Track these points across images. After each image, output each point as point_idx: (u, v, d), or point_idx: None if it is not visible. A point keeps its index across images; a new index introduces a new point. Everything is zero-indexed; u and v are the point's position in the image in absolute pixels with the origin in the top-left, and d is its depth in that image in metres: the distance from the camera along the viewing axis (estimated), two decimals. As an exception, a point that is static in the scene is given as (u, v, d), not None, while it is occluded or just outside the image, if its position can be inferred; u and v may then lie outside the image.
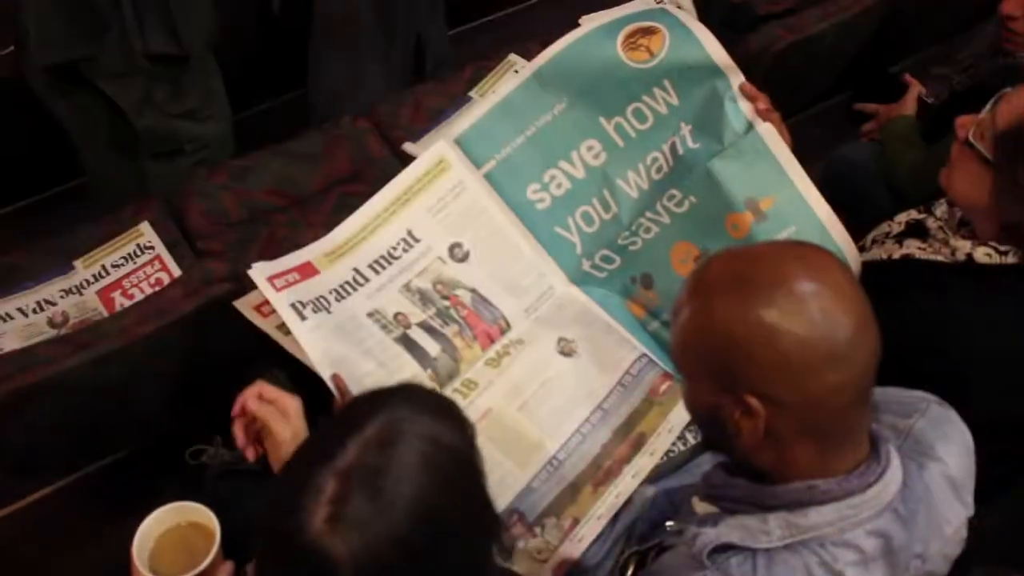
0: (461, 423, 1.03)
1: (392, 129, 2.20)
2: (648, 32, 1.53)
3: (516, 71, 2.37)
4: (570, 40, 1.54)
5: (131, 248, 2.06)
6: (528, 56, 2.41)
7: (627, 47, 1.53)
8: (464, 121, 1.56)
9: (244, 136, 2.51)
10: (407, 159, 2.15)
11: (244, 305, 1.44)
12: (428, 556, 0.93)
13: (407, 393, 1.06)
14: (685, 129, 1.52)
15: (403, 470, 0.93)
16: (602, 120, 1.56)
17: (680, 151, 1.52)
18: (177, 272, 1.99)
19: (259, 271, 1.37)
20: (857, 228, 1.54)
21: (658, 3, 2.42)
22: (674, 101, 1.53)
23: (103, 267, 2.04)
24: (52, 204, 2.86)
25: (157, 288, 1.98)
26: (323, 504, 0.91)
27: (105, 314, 1.95)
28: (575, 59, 1.54)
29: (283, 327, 1.39)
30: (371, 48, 2.60)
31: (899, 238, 1.51)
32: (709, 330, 1.01)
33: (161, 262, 2.03)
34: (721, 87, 1.50)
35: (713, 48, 1.52)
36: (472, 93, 2.32)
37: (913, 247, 1.46)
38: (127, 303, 1.97)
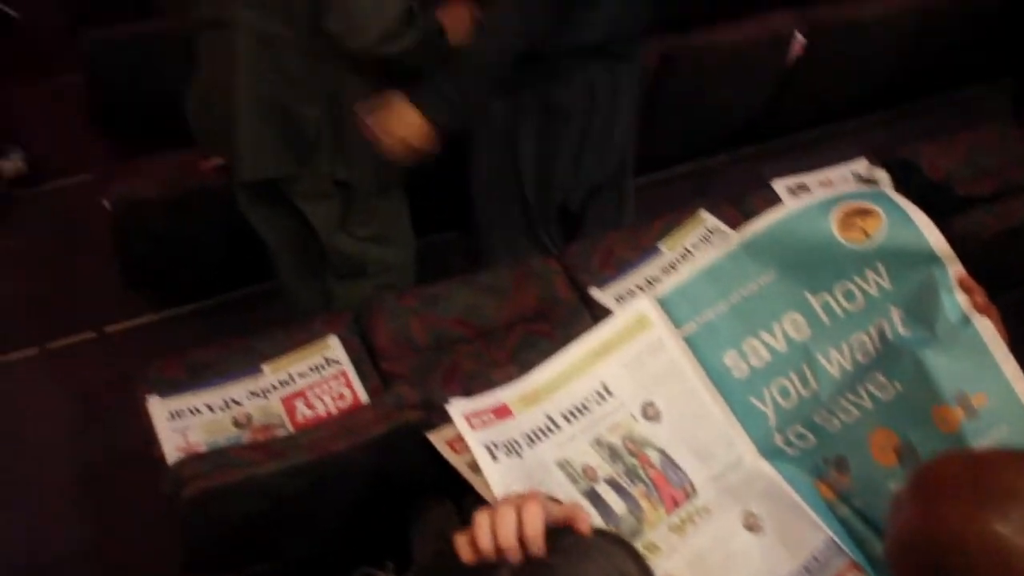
0: (646, 568, 1.04)
1: (580, 273, 2.25)
2: (865, 213, 1.52)
3: (707, 228, 2.39)
4: (784, 214, 1.54)
5: (318, 359, 2.13)
6: (718, 213, 2.43)
7: (842, 226, 1.52)
8: (669, 282, 1.57)
9: (424, 262, 2.60)
10: (593, 304, 2.19)
11: (438, 439, 1.47)
12: None
13: (597, 528, 1.07)
14: (895, 314, 1.49)
15: None
16: (808, 295, 1.54)
17: (888, 336, 1.49)
18: (360, 389, 2.04)
19: (457, 408, 1.39)
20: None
21: (864, 179, 2.44)
22: (886, 284, 1.51)
23: (290, 374, 2.11)
24: (247, 303, 3.00)
25: (339, 402, 2.04)
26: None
27: (287, 421, 2.02)
28: (787, 232, 1.54)
29: (473, 465, 1.40)
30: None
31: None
32: (933, 534, 0.97)
33: (345, 377, 2.09)
34: (937, 275, 1.47)
35: (932, 235, 1.49)
36: (661, 246, 2.35)
37: None
38: (308, 413, 2.03)
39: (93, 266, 3.26)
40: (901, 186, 2.49)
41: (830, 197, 1.55)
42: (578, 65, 2.35)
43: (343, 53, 2.06)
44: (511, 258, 2.47)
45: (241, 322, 2.94)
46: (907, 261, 1.49)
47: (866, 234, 1.50)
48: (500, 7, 2.20)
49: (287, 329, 2.20)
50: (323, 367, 2.12)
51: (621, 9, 2.34)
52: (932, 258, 1.48)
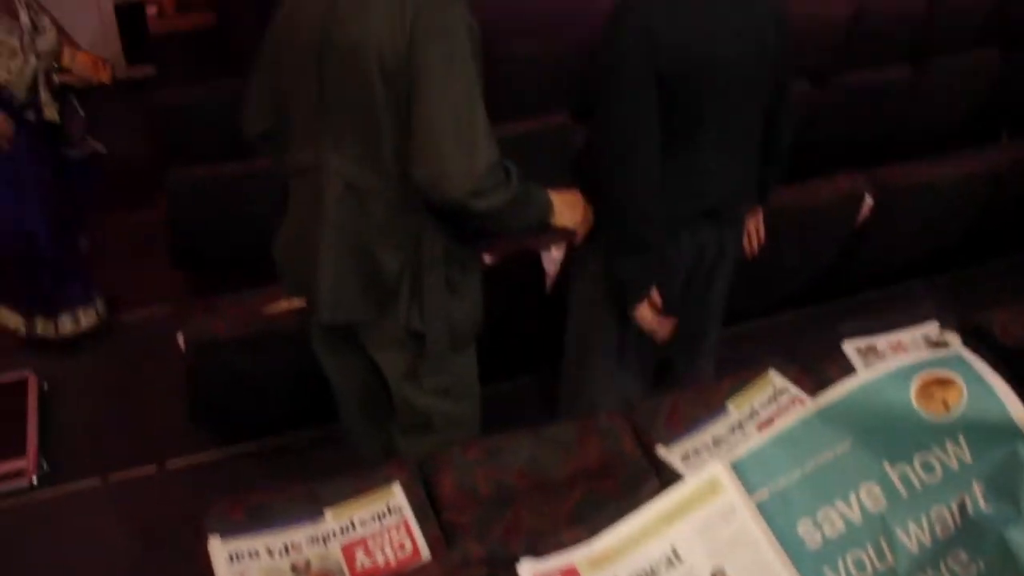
0: None
1: (647, 430, 2.22)
2: (945, 383, 1.50)
3: (775, 388, 2.36)
4: (861, 382, 1.53)
5: (381, 507, 2.11)
6: (787, 374, 2.40)
7: (921, 396, 1.50)
8: (742, 447, 1.55)
9: (493, 411, 2.58)
10: (658, 463, 2.15)
11: (504, 600, 1.44)
12: None
13: None
14: (977, 489, 1.45)
15: None
16: (886, 465, 1.51)
17: (970, 512, 1.45)
18: (421, 540, 2.01)
19: (527, 569, 1.38)
20: None
21: (935, 343, 2.40)
22: (967, 458, 1.47)
23: (351, 521, 2.09)
24: (311, 444, 3.01)
25: (400, 552, 2.01)
26: None
27: (346, 570, 1.99)
28: (864, 401, 1.52)
29: (539, 628, 1.37)
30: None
31: None
32: None
33: (407, 527, 2.06)
34: (1021, 450, 1.43)
35: (1014, 407, 1.46)
36: (729, 404, 2.32)
37: None
38: (367, 563, 2.00)
39: (160, 399, 3.32)
40: (974, 352, 2.45)
41: (909, 365, 1.53)
42: (690, 227, 2.43)
43: (429, 205, 2.09)
44: (593, 406, 2.47)
45: (303, 464, 2.96)
46: (989, 434, 1.46)
47: (947, 406, 1.48)
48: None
49: (350, 475, 2.19)
50: (385, 515, 2.09)
51: (732, 175, 2.41)
52: (1015, 432, 1.45)
